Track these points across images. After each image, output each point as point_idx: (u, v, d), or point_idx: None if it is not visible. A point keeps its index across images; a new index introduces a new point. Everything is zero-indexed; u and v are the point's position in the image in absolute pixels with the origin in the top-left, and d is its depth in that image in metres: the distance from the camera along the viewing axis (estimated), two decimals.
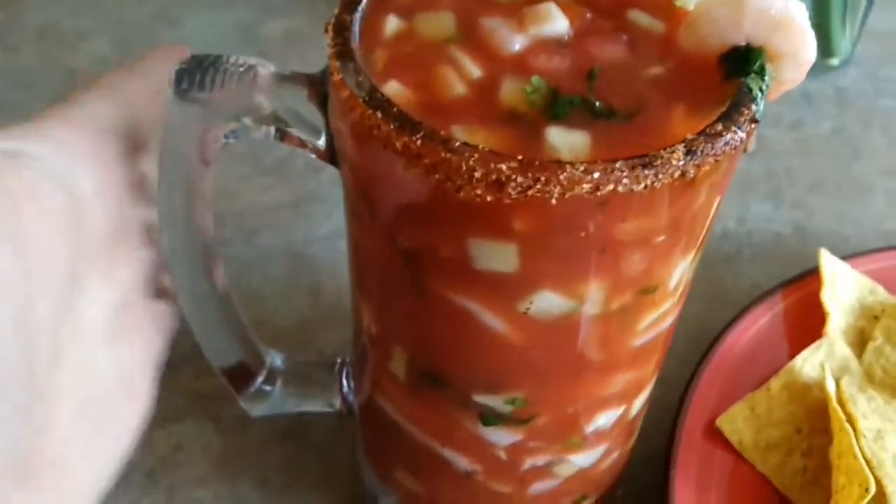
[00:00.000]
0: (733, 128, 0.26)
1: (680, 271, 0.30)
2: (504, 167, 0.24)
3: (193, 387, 0.49)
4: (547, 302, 0.28)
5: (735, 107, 0.26)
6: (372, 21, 0.29)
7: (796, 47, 0.28)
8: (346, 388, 0.41)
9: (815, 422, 0.43)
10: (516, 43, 0.28)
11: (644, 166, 0.24)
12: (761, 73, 0.27)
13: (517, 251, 0.27)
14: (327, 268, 0.55)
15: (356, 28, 0.29)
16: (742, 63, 0.27)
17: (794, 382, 0.44)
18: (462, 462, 0.36)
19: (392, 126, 0.25)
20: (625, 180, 0.24)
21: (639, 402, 0.36)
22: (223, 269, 0.36)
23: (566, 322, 0.29)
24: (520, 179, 0.24)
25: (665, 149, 0.25)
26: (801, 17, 0.27)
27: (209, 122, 0.30)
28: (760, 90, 0.27)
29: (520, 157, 0.24)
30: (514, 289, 0.28)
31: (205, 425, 0.47)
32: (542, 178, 0.24)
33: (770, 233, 0.58)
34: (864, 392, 0.43)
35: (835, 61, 0.69)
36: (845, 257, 0.50)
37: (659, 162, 0.24)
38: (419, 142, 0.25)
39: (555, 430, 0.34)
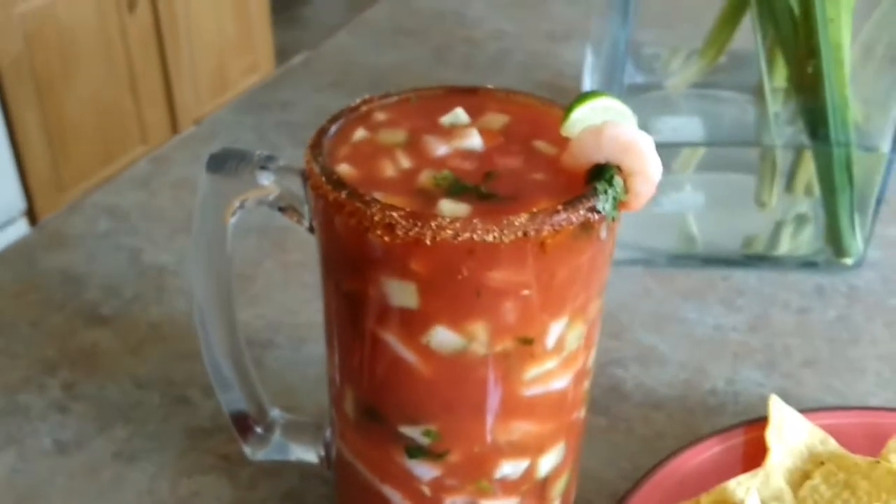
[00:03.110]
0: (570, 209, 0.35)
1: (555, 332, 0.38)
2: (394, 214, 0.35)
3: (222, 450, 0.58)
4: (443, 337, 0.37)
5: (580, 198, 0.36)
6: (346, 129, 0.41)
7: (643, 166, 0.37)
8: (327, 439, 0.50)
9: None
10: (441, 150, 0.39)
11: (495, 223, 0.34)
12: (610, 180, 0.37)
13: (416, 290, 0.36)
14: None
15: (332, 132, 0.40)
16: (599, 174, 0.37)
17: (724, 502, 0.49)
18: (396, 498, 0.44)
19: (329, 187, 0.36)
20: (478, 231, 0.34)
21: (545, 463, 0.43)
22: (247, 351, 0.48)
23: (461, 358, 0.38)
24: (403, 223, 0.34)
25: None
26: (645, 142, 0.37)
27: (228, 195, 0.42)
28: (605, 192, 0.36)
29: (406, 210, 0.35)
30: (418, 323, 0.37)
31: (223, 481, 0.56)
32: (419, 223, 0.34)
33: (757, 396, 0.64)
34: None
35: (849, 261, 0.75)
36: (803, 410, 0.56)
37: (505, 221, 0.34)
38: (344, 196, 0.36)
39: (466, 469, 0.42)
